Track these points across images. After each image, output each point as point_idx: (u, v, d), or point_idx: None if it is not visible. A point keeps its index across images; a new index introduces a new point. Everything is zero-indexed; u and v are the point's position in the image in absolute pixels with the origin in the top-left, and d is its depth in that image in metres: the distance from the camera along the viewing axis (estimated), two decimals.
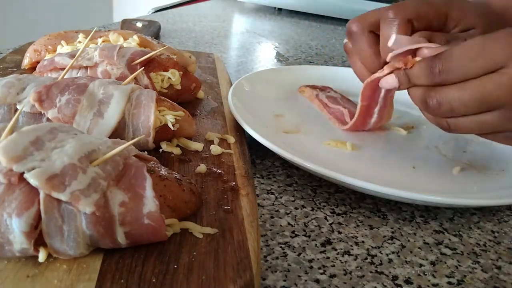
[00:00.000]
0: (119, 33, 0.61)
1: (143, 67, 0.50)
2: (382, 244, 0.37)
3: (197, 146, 0.44)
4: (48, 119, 0.39)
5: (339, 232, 0.38)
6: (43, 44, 0.60)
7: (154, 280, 0.26)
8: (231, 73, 0.77)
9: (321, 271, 0.33)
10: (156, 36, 0.96)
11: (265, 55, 0.98)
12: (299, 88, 0.66)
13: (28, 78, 0.42)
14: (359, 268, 0.34)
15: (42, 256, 0.27)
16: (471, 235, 0.40)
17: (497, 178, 0.47)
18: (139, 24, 0.96)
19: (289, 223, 0.38)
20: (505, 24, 0.43)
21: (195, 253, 0.29)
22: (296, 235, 0.37)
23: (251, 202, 0.35)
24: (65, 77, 0.45)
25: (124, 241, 0.28)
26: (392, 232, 0.39)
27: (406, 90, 0.42)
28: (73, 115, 0.39)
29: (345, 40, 0.52)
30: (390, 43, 0.41)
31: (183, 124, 0.44)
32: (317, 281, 0.32)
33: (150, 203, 0.29)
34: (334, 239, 0.37)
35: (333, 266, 0.34)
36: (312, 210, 0.40)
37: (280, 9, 1.58)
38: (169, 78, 0.53)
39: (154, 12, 1.36)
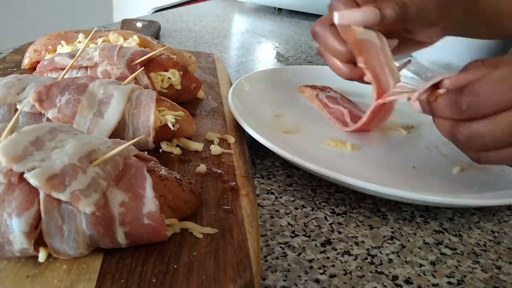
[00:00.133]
0: (119, 33, 0.61)
1: (143, 67, 0.50)
2: (382, 244, 0.37)
3: (197, 146, 0.44)
4: (48, 119, 0.39)
5: (339, 232, 0.38)
6: (43, 44, 0.60)
7: (154, 280, 0.26)
8: (231, 73, 0.77)
9: (321, 271, 0.33)
10: (156, 36, 0.96)
11: (265, 55, 0.98)
12: (299, 88, 0.66)
13: (28, 78, 0.42)
14: (359, 268, 0.34)
15: (42, 256, 0.27)
16: (471, 235, 0.40)
17: (497, 178, 0.47)
18: (139, 24, 0.96)
19: (289, 223, 0.38)
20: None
21: (195, 253, 0.29)
22: (296, 235, 0.37)
23: (251, 202, 0.35)
24: (65, 77, 0.45)
25: (124, 241, 0.28)
26: (392, 232, 0.39)
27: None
28: (73, 115, 0.39)
29: (317, 45, 0.52)
30: (335, 20, 0.42)
31: (183, 124, 0.44)
32: (317, 281, 0.32)
33: (150, 203, 0.29)
34: (334, 239, 0.37)
35: (333, 266, 0.34)
36: (312, 210, 0.40)
37: (280, 9, 1.58)
38: (169, 78, 0.53)
39: (154, 12, 1.36)
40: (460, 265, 0.35)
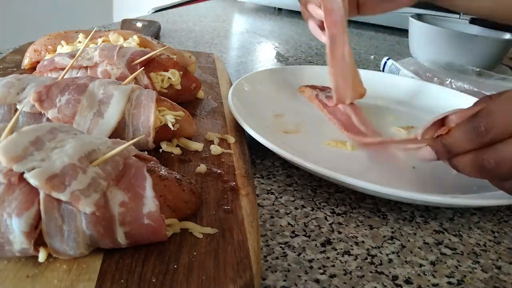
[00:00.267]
0: (119, 33, 0.61)
1: (143, 67, 0.50)
2: (382, 244, 0.37)
3: (197, 146, 0.44)
4: (48, 119, 0.39)
5: (339, 232, 0.38)
6: (43, 44, 0.60)
7: (154, 280, 0.26)
8: (231, 73, 0.77)
9: (321, 271, 0.33)
10: (156, 36, 0.96)
11: (265, 55, 0.98)
12: (299, 88, 0.66)
13: (28, 78, 0.42)
14: (359, 268, 0.34)
15: (42, 256, 0.27)
16: (471, 235, 0.40)
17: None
18: (139, 24, 0.96)
19: (289, 223, 0.38)
20: None
21: (195, 253, 0.29)
22: (296, 235, 0.37)
23: (251, 202, 0.35)
24: (65, 77, 0.45)
25: (124, 241, 0.28)
26: (392, 232, 0.39)
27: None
28: (73, 115, 0.39)
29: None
30: None
31: (183, 124, 0.44)
32: (317, 281, 0.32)
33: (150, 203, 0.29)
34: (334, 239, 0.37)
35: (333, 266, 0.34)
36: (312, 210, 0.40)
37: (280, 9, 1.58)
38: (169, 78, 0.53)
39: (154, 12, 1.36)
40: (460, 265, 0.35)
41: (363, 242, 0.37)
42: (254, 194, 0.37)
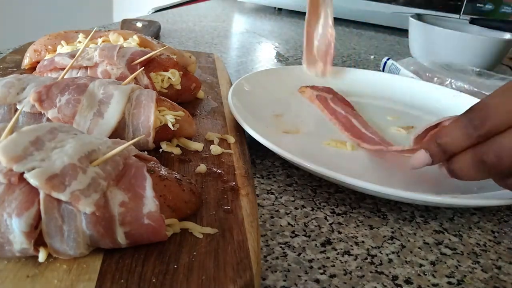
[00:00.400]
0: (119, 33, 0.61)
1: (143, 67, 0.50)
2: (382, 244, 0.37)
3: (197, 146, 0.44)
4: (48, 119, 0.39)
5: (339, 232, 0.38)
6: (43, 44, 0.60)
7: (154, 280, 0.26)
8: (231, 73, 0.77)
9: (321, 271, 0.33)
10: (156, 36, 0.96)
11: (265, 55, 0.98)
12: (299, 89, 0.66)
13: (28, 78, 0.42)
14: (359, 268, 0.34)
15: (42, 256, 0.27)
16: (471, 235, 0.40)
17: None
18: (139, 24, 0.96)
19: (289, 223, 0.38)
20: None
21: (195, 253, 0.29)
22: (296, 235, 0.37)
23: (251, 202, 0.35)
24: (65, 77, 0.45)
25: (124, 241, 0.28)
26: (392, 232, 0.39)
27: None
28: (73, 115, 0.39)
29: None
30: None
31: (183, 124, 0.44)
32: (317, 281, 0.32)
33: (150, 203, 0.29)
34: (334, 239, 0.37)
35: (333, 266, 0.34)
36: (312, 210, 0.40)
37: (280, 9, 1.58)
38: (169, 78, 0.53)
39: (154, 12, 1.36)
40: (460, 265, 0.35)
41: (363, 242, 0.37)
42: (254, 194, 0.37)
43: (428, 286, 0.33)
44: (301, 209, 0.40)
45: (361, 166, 0.47)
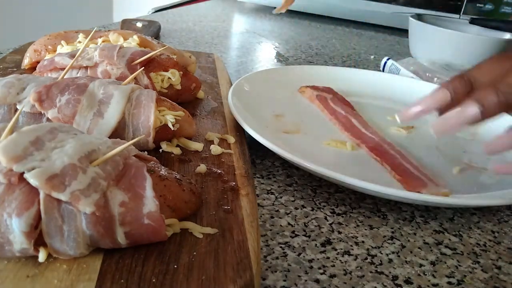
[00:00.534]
0: (119, 33, 0.61)
1: (143, 67, 0.50)
2: (382, 244, 0.37)
3: (197, 146, 0.44)
4: (48, 119, 0.39)
5: (339, 232, 0.38)
6: (43, 44, 0.60)
7: (154, 280, 0.26)
8: (231, 73, 0.77)
9: (321, 271, 0.33)
10: (156, 36, 0.96)
11: (265, 55, 0.98)
12: (299, 89, 0.66)
13: (28, 78, 0.42)
14: (359, 268, 0.34)
15: (42, 256, 0.27)
16: (471, 235, 0.40)
17: (497, 178, 0.47)
18: (139, 24, 0.96)
19: (289, 223, 0.38)
20: None
21: (195, 253, 0.29)
22: (296, 235, 0.37)
23: (251, 202, 0.35)
24: (65, 77, 0.45)
25: (124, 241, 0.28)
26: (392, 232, 0.39)
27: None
28: (73, 115, 0.39)
29: None
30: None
31: (183, 124, 0.44)
32: (317, 281, 0.32)
33: (150, 203, 0.29)
34: (334, 239, 0.37)
35: (333, 266, 0.34)
36: (312, 210, 0.40)
37: None
38: (169, 78, 0.53)
39: (154, 12, 1.36)
40: (460, 265, 0.35)
41: (363, 242, 0.37)
42: (254, 194, 0.37)
43: (428, 286, 0.33)
44: (301, 209, 0.40)
45: (361, 166, 0.47)
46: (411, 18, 0.98)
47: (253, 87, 0.61)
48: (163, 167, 0.34)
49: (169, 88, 0.53)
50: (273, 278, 0.32)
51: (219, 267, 0.28)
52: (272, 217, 0.39)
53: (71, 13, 2.22)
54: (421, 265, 0.35)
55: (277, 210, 0.40)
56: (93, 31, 0.58)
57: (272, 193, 0.42)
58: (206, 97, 0.59)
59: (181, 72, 0.54)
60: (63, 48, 0.59)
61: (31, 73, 0.56)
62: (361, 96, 0.67)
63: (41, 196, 0.26)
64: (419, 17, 1.04)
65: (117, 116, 0.40)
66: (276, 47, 1.06)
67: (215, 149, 0.43)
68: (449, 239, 0.39)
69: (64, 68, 0.48)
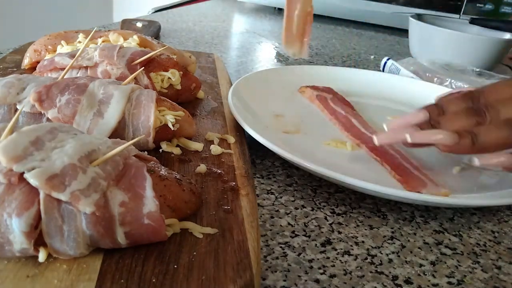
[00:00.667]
0: (119, 33, 0.61)
1: (143, 67, 0.50)
2: (382, 244, 0.37)
3: (197, 146, 0.44)
4: (48, 119, 0.39)
5: (339, 232, 0.38)
6: (43, 44, 0.60)
7: (154, 280, 0.26)
8: (231, 73, 0.77)
9: (321, 271, 0.33)
10: (156, 36, 0.96)
11: (265, 55, 0.98)
12: (299, 89, 0.66)
13: (28, 78, 0.42)
14: (359, 268, 0.34)
15: (42, 256, 0.27)
16: (471, 235, 0.40)
17: (497, 178, 0.47)
18: (139, 24, 0.96)
19: (289, 223, 0.38)
20: None
21: (195, 253, 0.29)
22: (296, 235, 0.37)
23: (251, 202, 0.35)
24: (65, 77, 0.45)
25: (124, 241, 0.28)
26: (392, 232, 0.39)
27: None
28: (73, 115, 0.39)
29: None
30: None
31: (183, 124, 0.44)
32: (317, 281, 0.32)
33: (150, 203, 0.29)
34: (334, 239, 0.37)
35: (333, 266, 0.34)
36: (312, 210, 0.40)
37: (280, 9, 1.58)
38: (169, 78, 0.53)
39: (154, 12, 1.36)
40: (460, 265, 0.35)
41: (363, 242, 0.37)
42: (254, 194, 0.37)
43: (428, 286, 0.33)
44: (301, 209, 0.40)
45: (361, 166, 0.47)
46: (411, 18, 0.99)
47: (253, 87, 0.61)
48: (163, 167, 0.34)
49: (169, 88, 0.53)
50: (273, 278, 0.32)
51: (219, 267, 0.28)
52: (272, 217, 0.39)
53: (71, 13, 2.22)
54: (421, 265, 0.35)
55: (277, 210, 0.40)
56: (93, 31, 0.58)
57: (272, 193, 0.42)
58: (206, 97, 0.59)
59: (181, 72, 0.54)
60: (63, 48, 0.59)
61: (31, 73, 0.56)
62: (361, 96, 0.67)
63: (41, 196, 0.26)
64: (419, 17, 1.04)
65: (117, 116, 0.40)
66: (276, 47, 1.06)
67: (215, 149, 0.43)
68: (449, 239, 0.39)
69: (64, 68, 0.48)
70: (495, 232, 0.41)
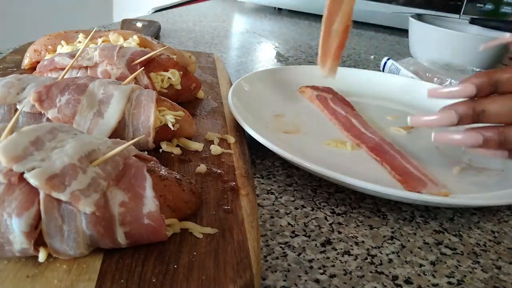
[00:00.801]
0: (119, 33, 0.61)
1: (143, 67, 0.50)
2: (382, 244, 0.37)
3: (197, 146, 0.44)
4: (48, 119, 0.39)
5: (339, 232, 0.38)
6: (43, 44, 0.60)
7: (154, 280, 0.26)
8: (231, 73, 0.77)
9: (321, 271, 0.33)
10: (156, 36, 0.96)
11: (265, 55, 0.98)
12: (299, 89, 0.66)
13: (28, 78, 0.42)
14: (359, 268, 0.34)
15: (42, 256, 0.27)
16: (471, 235, 0.40)
17: (497, 178, 0.47)
18: (139, 24, 0.96)
19: (289, 223, 0.38)
20: None
21: (195, 253, 0.29)
22: (296, 235, 0.37)
23: (251, 202, 0.35)
24: (65, 77, 0.45)
25: (124, 241, 0.28)
26: (392, 232, 0.39)
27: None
28: (73, 115, 0.39)
29: None
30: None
31: (183, 124, 0.44)
32: (317, 281, 0.32)
33: (150, 203, 0.29)
34: (334, 239, 0.37)
35: (333, 266, 0.34)
36: (312, 210, 0.40)
37: (280, 9, 1.58)
38: (169, 78, 0.53)
39: (154, 12, 1.36)
40: (460, 265, 0.35)
41: (363, 242, 0.37)
42: (254, 194, 0.37)
43: (428, 286, 0.33)
44: (301, 209, 0.40)
45: (361, 166, 0.47)
46: (411, 18, 0.99)
47: (253, 87, 0.61)
48: (163, 167, 0.34)
49: (169, 88, 0.53)
50: (273, 278, 0.32)
51: (219, 267, 0.28)
52: (272, 217, 0.39)
53: (71, 13, 2.22)
54: (421, 265, 0.35)
55: (277, 210, 0.40)
56: (93, 31, 0.58)
57: (272, 193, 0.42)
58: (206, 97, 0.59)
59: (181, 72, 0.54)
60: (63, 48, 0.59)
61: (31, 73, 0.56)
62: (361, 96, 0.67)
63: (41, 196, 0.26)
64: (419, 17, 1.04)
65: (117, 116, 0.40)
66: (276, 47, 1.06)
67: (215, 149, 0.43)
68: (449, 239, 0.39)
69: (64, 68, 0.48)
70: (495, 232, 0.41)
